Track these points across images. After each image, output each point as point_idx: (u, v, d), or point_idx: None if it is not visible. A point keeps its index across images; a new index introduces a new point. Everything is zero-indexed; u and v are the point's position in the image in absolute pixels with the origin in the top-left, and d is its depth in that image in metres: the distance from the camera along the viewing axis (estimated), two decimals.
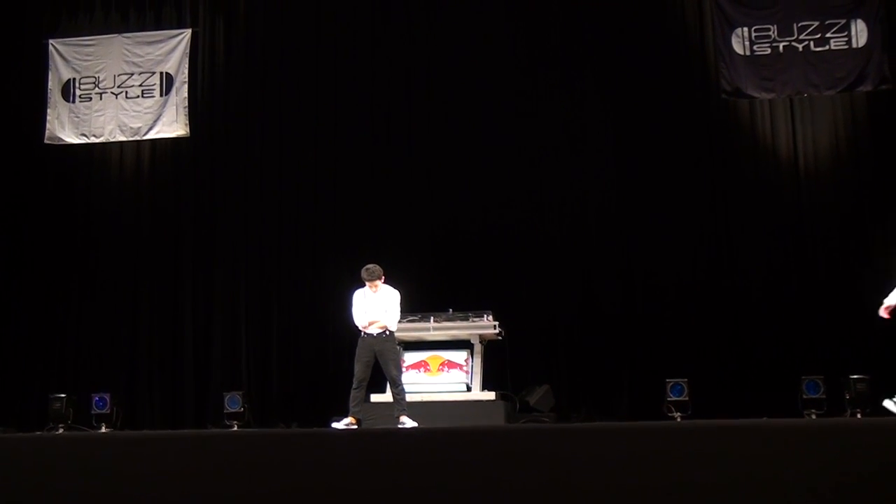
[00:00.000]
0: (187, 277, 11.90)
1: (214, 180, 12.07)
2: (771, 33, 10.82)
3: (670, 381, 9.90)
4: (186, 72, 11.93)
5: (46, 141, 12.08)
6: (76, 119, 12.11)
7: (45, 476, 5.32)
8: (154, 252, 11.96)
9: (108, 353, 11.74)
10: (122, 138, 12.03)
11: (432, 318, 10.03)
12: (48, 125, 12.09)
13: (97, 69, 12.15)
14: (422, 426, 8.16)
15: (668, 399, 9.83)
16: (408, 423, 8.35)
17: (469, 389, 9.82)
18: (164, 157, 12.19)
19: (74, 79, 12.20)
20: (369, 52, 11.89)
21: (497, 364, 10.14)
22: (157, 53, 12.03)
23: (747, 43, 10.84)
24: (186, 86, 11.91)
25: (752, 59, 10.81)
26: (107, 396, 10.83)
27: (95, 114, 12.07)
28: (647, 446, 4.93)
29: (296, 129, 11.93)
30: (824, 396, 9.57)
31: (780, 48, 10.76)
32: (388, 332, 8.63)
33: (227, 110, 12.16)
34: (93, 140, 12.07)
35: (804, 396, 9.62)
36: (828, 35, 10.64)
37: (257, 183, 11.97)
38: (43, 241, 12.12)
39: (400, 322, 8.97)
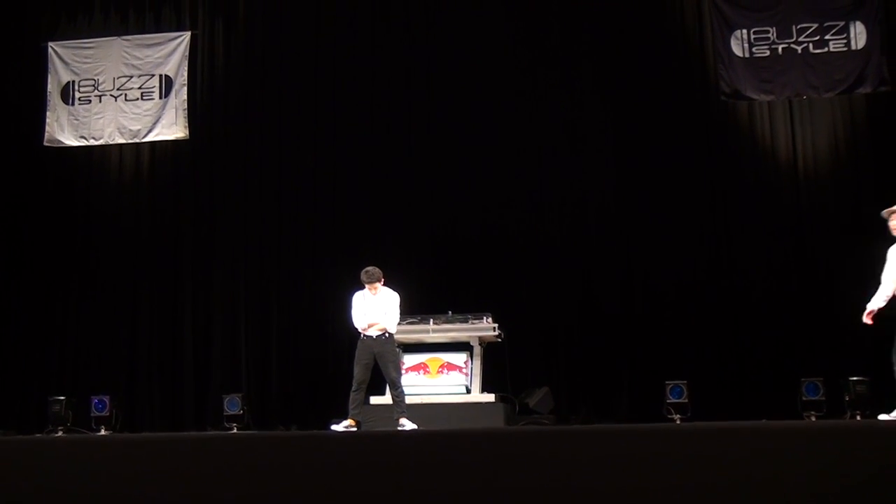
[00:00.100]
0: (187, 279, 11.90)
1: (214, 182, 12.07)
2: (770, 35, 10.82)
3: (669, 384, 9.90)
4: (186, 74, 11.94)
5: (46, 143, 12.09)
6: (75, 122, 12.11)
7: (45, 479, 5.31)
8: (153, 254, 11.96)
9: (108, 354, 11.74)
10: (122, 141, 12.04)
11: (432, 320, 10.04)
12: (47, 128, 12.10)
13: (96, 72, 12.16)
14: (421, 428, 8.16)
15: (668, 401, 9.83)
16: (407, 425, 8.35)
17: (468, 391, 9.82)
18: (164, 160, 12.19)
19: (74, 81, 12.20)
20: (369, 53, 11.90)
21: (496, 366, 10.14)
22: (156, 56, 12.04)
23: (746, 45, 10.86)
24: (186, 88, 11.93)
25: (751, 61, 10.82)
26: (106, 399, 10.83)
27: (95, 116, 12.08)
28: (646, 448, 4.92)
29: (295, 131, 11.94)
30: (824, 398, 9.56)
31: (779, 50, 10.77)
32: (387, 335, 8.64)
33: (227, 112, 12.16)
34: (92, 142, 12.08)
35: (804, 398, 9.62)
36: (827, 37, 10.65)
37: (257, 185, 11.97)
38: (42, 243, 12.12)
39: (399, 324, 8.99)
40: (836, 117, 10.97)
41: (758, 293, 10.74)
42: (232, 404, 10.59)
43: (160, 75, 12.01)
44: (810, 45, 10.69)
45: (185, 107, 11.88)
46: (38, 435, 10.34)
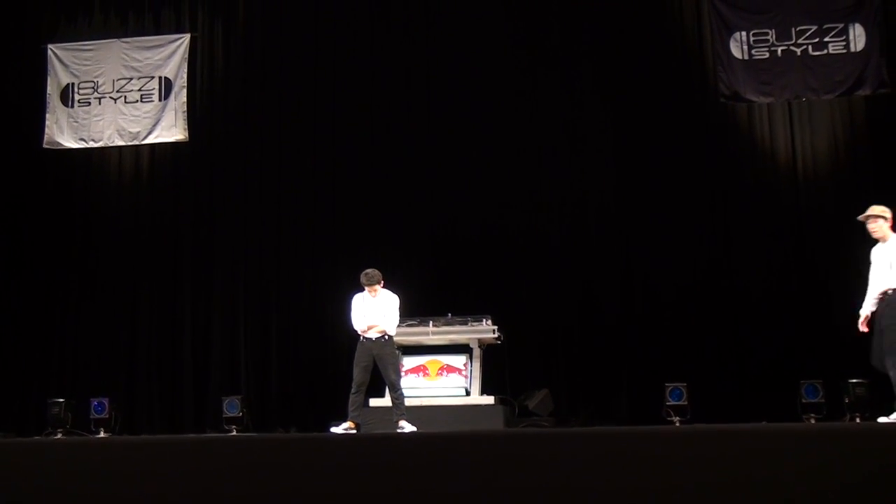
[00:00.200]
0: (186, 281, 11.90)
1: (213, 184, 12.07)
2: (769, 37, 10.83)
3: (669, 386, 9.89)
4: (185, 76, 11.95)
5: (45, 146, 12.09)
6: (75, 124, 12.11)
7: (44, 481, 5.31)
8: (153, 256, 11.96)
9: (107, 356, 11.73)
10: (121, 143, 12.05)
11: (431, 322, 10.04)
12: (47, 130, 12.10)
13: (96, 74, 12.16)
14: (421, 431, 8.16)
15: (667, 403, 9.83)
16: (407, 427, 8.35)
17: (468, 394, 9.82)
18: (163, 162, 12.19)
19: (73, 83, 12.20)
20: (368, 54, 11.90)
21: (496, 368, 10.15)
22: (156, 58, 12.04)
23: (745, 47, 10.86)
24: (185, 90, 11.93)
25: (751, 64, 10.82)
26: (105, 401, 10.83)
27: (94, 118, 12.08)
28: (646, 450, 4.92)
29: (294, 133, 11.94)
30: (823, 400, 9.56)
31: (779, 52, 10.77)
32: (387, 337, 8.64)
33: (226, 114, 12.16)
34: (91, 145, 12.08)
35: (803, 400, 9.61)
36: (826, 39, 10.65)
37: (256, 186, 11.97)
38: (42, 245, 12.12)
39: (399, 326, 9.00)
40: (836, 119, 10.97)
41: (757, 294, 10.74)
42: (231, 406, 10.59)
43: (160, 77, 12.01)
44: (809, 48, 10.70)
45: (185, 109, 11.88)
46: (37, 437, 10.32)
